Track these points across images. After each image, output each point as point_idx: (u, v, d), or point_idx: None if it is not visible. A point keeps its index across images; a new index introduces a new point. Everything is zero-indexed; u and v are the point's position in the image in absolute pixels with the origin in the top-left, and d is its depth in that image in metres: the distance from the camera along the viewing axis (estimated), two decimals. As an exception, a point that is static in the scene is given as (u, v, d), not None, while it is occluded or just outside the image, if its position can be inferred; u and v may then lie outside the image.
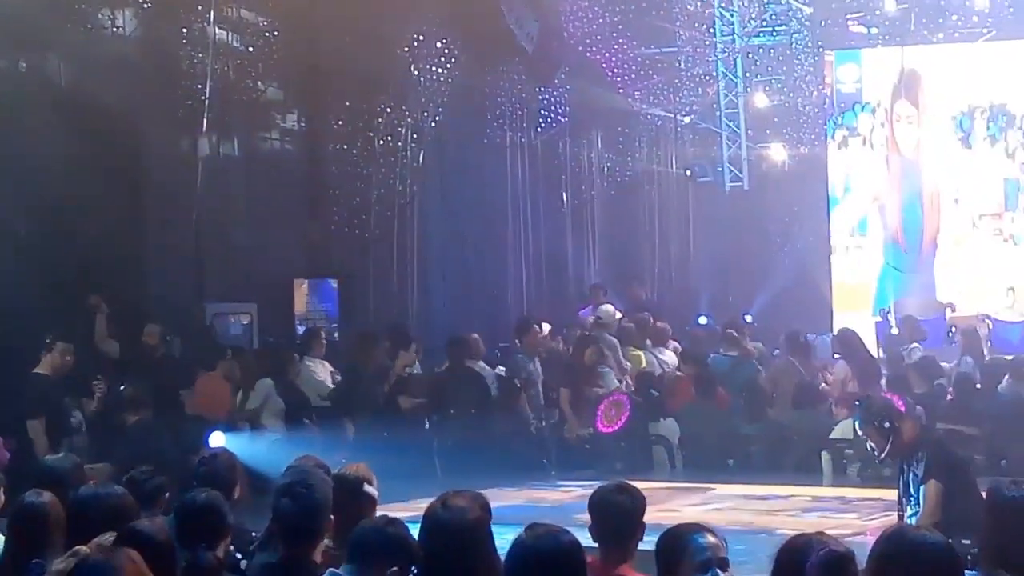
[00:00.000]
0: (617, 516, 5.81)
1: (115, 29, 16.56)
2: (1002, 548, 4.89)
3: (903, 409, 9.56)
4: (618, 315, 18.05)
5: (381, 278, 19.45)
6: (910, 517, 8.43)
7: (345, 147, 19.04)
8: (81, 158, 14.66)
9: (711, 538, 5.12)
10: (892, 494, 9.02)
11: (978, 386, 14.64)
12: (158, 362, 14.50)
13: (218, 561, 6.10)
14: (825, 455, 14.43)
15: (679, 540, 5.15)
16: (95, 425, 13.09)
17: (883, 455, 8.82)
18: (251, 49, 18.15)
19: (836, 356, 16.19)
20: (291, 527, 5.86)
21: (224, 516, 6.32)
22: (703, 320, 20.22)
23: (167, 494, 7.35)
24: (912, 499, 8.50)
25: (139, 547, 5.17)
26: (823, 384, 15.73)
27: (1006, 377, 14.49)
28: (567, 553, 4.73)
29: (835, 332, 17.25)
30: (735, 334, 16.78)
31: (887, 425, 8.61)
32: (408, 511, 8.17)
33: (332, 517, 5.91)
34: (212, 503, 6.32)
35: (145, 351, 14.43)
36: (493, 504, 5.46)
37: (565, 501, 11.47)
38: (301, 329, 17.73)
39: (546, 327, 17.51)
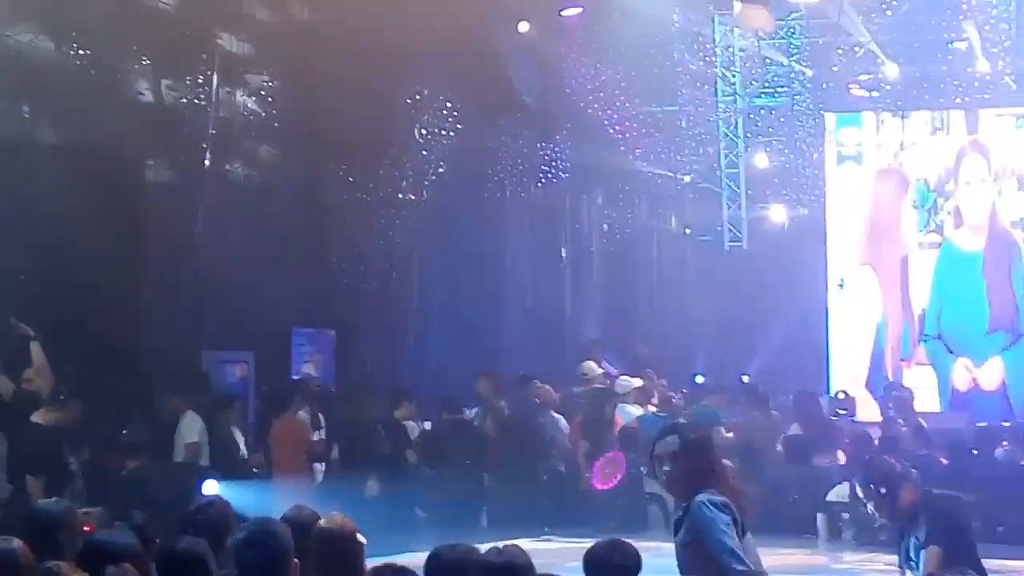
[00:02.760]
0: (612, 574, 5.79)
1: (118, 76, 16.62)
2: None
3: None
4: (599, 371, 18.08)
5: (378, 330, 19.43)
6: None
7: (345, 198, 19.07)
8: (82, 205, 14.64)
9: None
10: (887, 558, 8.96)
11: (974, 451, 14.59)
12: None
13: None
14: (821, 517, 14.36)
15: None
16: (90, 469, 12.99)
17: (882, 518, 8.76)
18: (253, 100, 18.22)
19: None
20: None
21: (206, 564, 6.26)
22: (700, 379, 20.19)
23: (158, 540, 7.29)
24: (913, 564, 8.43)
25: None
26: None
27: (1003, 443, 14.48)
28: None
29: (794, 395, 17.19)
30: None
31: (883, 491, 8.56)
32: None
33: (296, 561, 5.86)
34: (193, 551, 6.26)
35: None
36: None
37: (557, 557, 11.41)
38: (296, 378, 17.69)
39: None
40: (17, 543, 6.44)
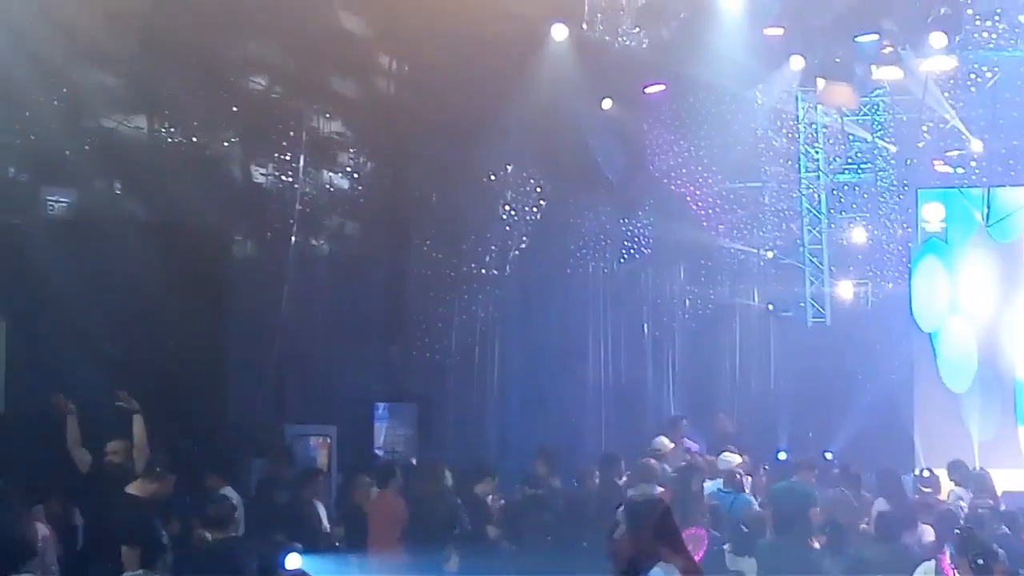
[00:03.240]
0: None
1: (207, 154, 16.88)
2: None
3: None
4: (671, 446, 18.00)
5: (459, 404, 19.49)
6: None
7: (429, 273, 19.20)
8: (168, 279, 14.87)
9: None
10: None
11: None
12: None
13: None
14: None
15: None
16: (178, 542, 13.10)
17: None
18: (339, 176, 18.44)
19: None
20: None
21: None
22: (782, 455, 20.01)
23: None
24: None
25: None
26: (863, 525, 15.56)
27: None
28: None
29: (877, 473, 17.00)
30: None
31: (981, 562, 8.48)
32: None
33: None
34: None
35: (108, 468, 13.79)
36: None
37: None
38: (379, 452, 17.77)
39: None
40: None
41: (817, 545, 14.95)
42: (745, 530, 15.38)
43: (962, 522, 14.54)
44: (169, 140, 16.58)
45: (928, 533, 14.74)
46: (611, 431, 21.31)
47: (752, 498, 16.22)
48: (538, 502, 15.96)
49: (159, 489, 12.67)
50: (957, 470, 17.19)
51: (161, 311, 14.94)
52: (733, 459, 17.44)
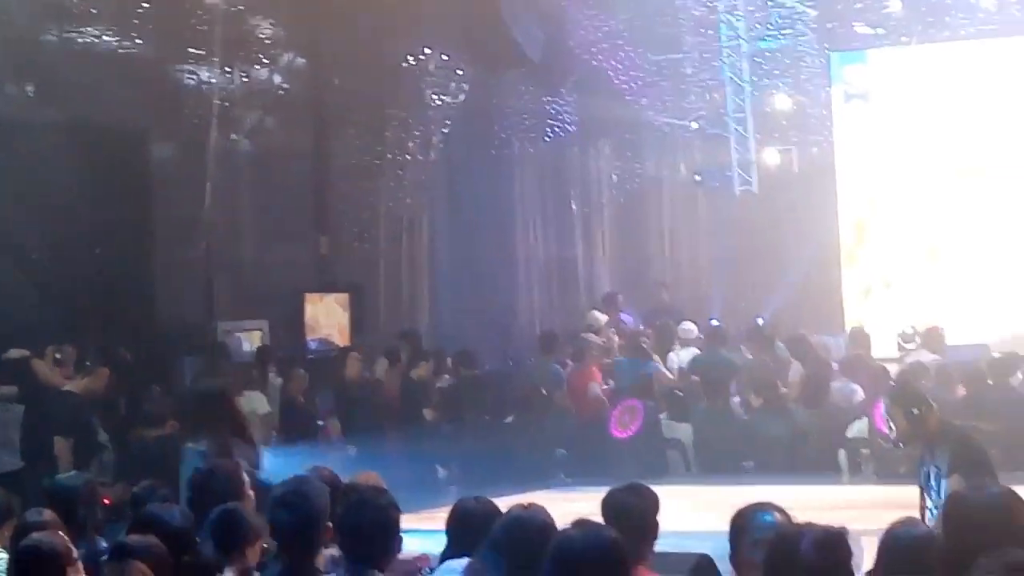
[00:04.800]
0: (630, 517, 5.81)
1: (121, 51, 16.64)
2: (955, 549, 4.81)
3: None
4: (604, 319, 18.14)
5: (391, 291, 19.49)
6: (931, 509, 8.40)
7: (353, 162, 19.10)
8: (90, 179, 14.72)
9: (777, 516, 5.15)
10: (908, 490, 8.97)
11: (989, 382, 14.59)
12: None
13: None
14: (842, 453, 14.40)
15: (744, 517, 5.20)
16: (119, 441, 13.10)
17: (902, 441, 8.76)
18: (257, 66, 18.23)
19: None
20: (289, 538, 5.87)
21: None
22: (715, 323, 20.18)
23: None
24: (933, 492, 8.46)
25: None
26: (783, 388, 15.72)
27: (1019, 372, 14.50)
28: (615, 548, 4.72)
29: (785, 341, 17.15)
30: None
31: (915, 412, 8.57)
32: (419, 520, 8.19)
33: (330, 525, 5.91)
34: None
35: None
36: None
37: (577, 506, 11.44)
38: (313, 344, 17.79)
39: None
40: (48, 514, 6.59)
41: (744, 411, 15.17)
42: (680, 395, 15.56)
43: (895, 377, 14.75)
44: (81, 40, 16.32)
45: (859, 392, 14.96)
46: (545, 310, 21.40)
47: (658, 365, 16.27)
48: (475, 383, 16.06)
49: (93, 384, 12.67)
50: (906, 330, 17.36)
51: (83, 214, 14.80)
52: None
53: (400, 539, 5.72)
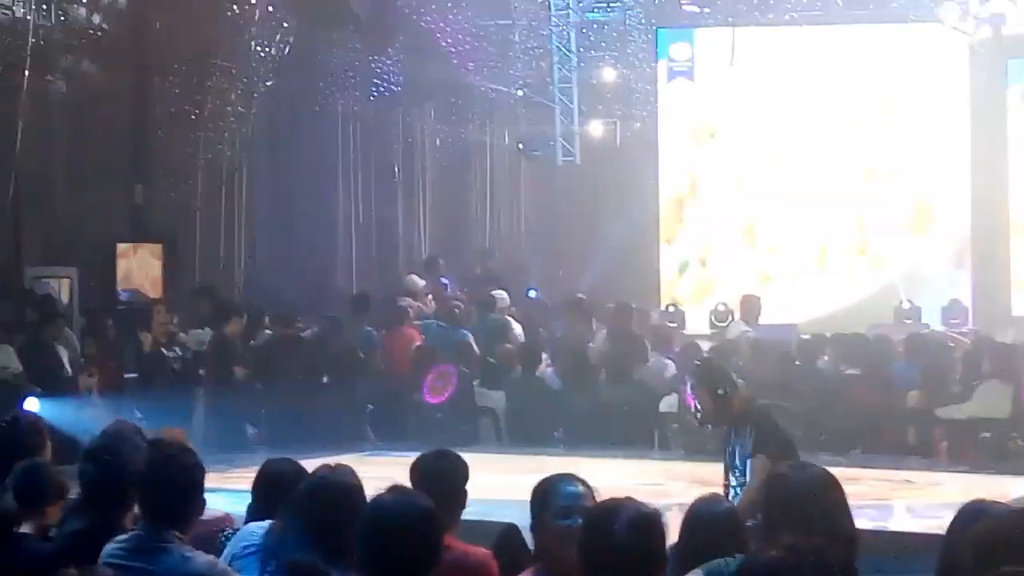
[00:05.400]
0: (438, 483, 5.74)
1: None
2: (774, 526, 4.94)
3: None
4: (421, 283, 18.22)
5: (207, 244, 19.17)
6: (735, 487, 8.48)
7: (173, 110, 18.71)
8: None
9: (580, 487, 5.12)
10: (716, 466, 9.06)
11: (797, 363, 14.87)
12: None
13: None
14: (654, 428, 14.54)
15: (546, 486, 5.16)
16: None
17: (708, 420, 8.84)
18: (77, 7, 17.73)
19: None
20: (98, 493, 5.71)
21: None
22: (532, 294, 20.27)
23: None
24: (737, 470, 8.55)
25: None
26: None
27: (824, 355, 14.80)
28: (429, 516, 4.66)
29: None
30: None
31: (721, 392, 8.64)
32: (225, 480, 8.03)
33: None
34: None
35: None
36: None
37: (386, 471, 11.36)
38: (124, 295, 17.42)
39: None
40: None
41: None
42: (493, 362, 15.57)
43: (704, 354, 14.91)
44: None
45: (670, 367, 15.13)
46: (363, 271, 21.24)
47: (467, 332, 16.32)
48: (288, 343, 15.86)
49: None
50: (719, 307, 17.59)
51: None
52: (504, 295, 17.71)
53: (203, 500, 5.57)
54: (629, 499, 4.69)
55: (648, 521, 4.56)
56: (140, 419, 9.89)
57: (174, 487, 5.44)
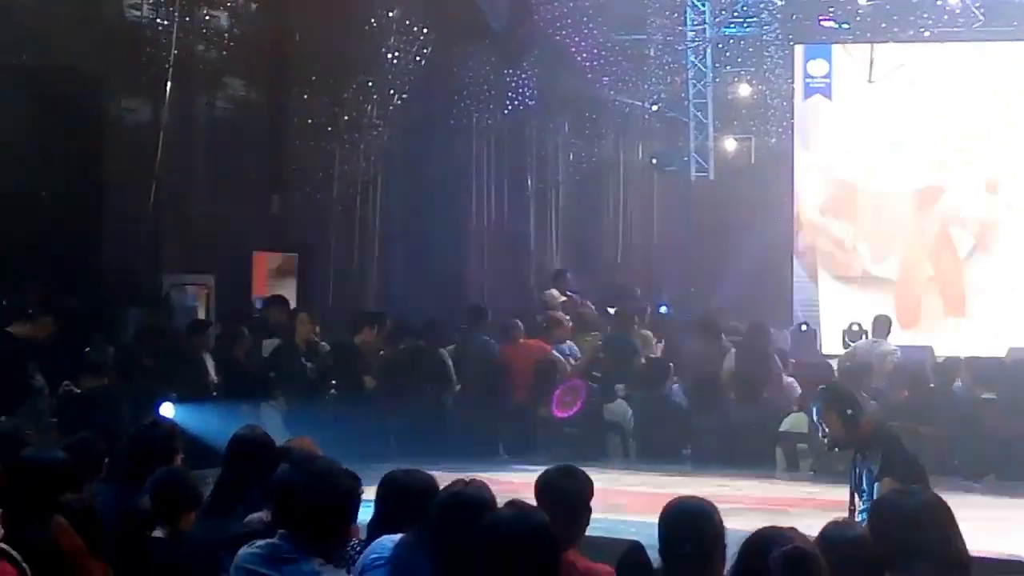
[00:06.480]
0: (563, 499, 5.73)
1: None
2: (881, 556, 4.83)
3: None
4: (561, 299, 18.13)
5: (341, 254, 19.36)
6: (862, 512, 8.37)
7: (310, 121, 18.93)
8: (40, 125, 14.50)
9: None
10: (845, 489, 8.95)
11: (931, 385, 14.62)
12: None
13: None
14: (778, 448, 14.37)
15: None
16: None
17: (836, 444, 8.73)
18: (218, 22, 18.02)
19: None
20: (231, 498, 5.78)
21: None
22: (663, 309, 20.19)
23: (106, 460, 7.27)
24: (865, 494, 8.44)
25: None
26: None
27: (958, 379, 14.55)
28: (544, 531, 4.66)
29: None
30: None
31: (849, 412, 8.53)
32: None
33: None
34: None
35: None
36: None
37: (516, 485, 11.36)
38: (259, 303, 17.64)
39: None
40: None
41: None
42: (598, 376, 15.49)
43: (835, 376, 14.76)
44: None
45: (796, 387, 14.97)
46: (493, 283, 21.31)
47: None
48: (419, 354, 15.90)
49: (35, 331, 12.48)
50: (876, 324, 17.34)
51: (32, 158, 14.58)
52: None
53: (352, 530, 5.58)
54: (790, 530, 4.63)
55: (804, 562, 4.49)
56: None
57: (325, 510, 5.46)
